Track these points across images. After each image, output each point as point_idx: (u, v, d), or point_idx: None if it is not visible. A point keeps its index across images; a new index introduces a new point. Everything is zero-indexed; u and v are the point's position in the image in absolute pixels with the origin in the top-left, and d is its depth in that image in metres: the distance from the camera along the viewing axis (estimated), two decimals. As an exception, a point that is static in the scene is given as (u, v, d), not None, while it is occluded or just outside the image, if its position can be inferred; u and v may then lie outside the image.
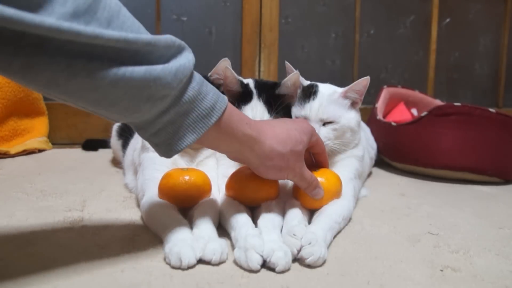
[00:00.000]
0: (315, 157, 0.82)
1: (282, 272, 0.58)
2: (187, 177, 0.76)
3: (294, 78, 0.89)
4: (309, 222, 0.75)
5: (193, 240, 0.62)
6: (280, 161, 0.67)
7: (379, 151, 1.31)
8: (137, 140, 0.98)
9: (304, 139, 0.70)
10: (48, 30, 0.44)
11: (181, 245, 0.60)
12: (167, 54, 0.55)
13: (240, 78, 0.93)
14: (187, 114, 0.58)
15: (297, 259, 0.62)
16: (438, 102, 1.58)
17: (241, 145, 0.64)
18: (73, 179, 1.08)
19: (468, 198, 1.04)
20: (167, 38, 0.55)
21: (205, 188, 0.78)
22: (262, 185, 0.75)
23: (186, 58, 0.57)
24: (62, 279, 0.54)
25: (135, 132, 1.07)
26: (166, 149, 0.60)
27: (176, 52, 0.56)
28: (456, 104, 1.17)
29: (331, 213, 0.74)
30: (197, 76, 0.59)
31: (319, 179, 0.78)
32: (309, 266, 0.60)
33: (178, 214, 0.71)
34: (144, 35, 0.54)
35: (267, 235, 0.64)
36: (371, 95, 1.57)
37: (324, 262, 0.61)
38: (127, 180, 1.00)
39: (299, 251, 0.61)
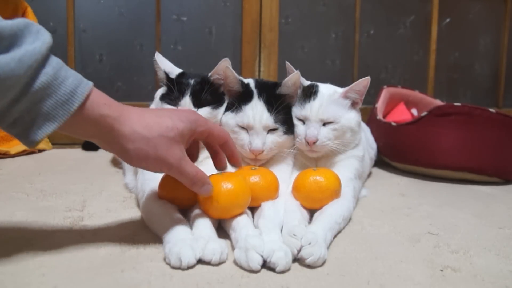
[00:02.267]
0: (223, 151, 0.73)
1: (282, 272, 0.58)
2: None
3: (295, 78, 0.89)
4: (309, 222, 0.75)
5: (193, 240, 0.62)
6: (144, 145, 0.60)
7: (379, 151, 1.31)
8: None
9: (179, 126, 0.62)
10: None
11: (181, 245, 0.59)
12: (15, 42, 0.52)
13: (241, 78, 0.93)
14: (42, 101, 0.54)
15: (297, 259, 0.62)
16: (438, 102, 1.58)
17: (99, 127, 0.58)
18: (73, 179, 1.08)
19: (468, 198, 1.04)
20: (12, 24, 0.52)
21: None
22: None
23: (39, 42, 0.53)
24: (62, 279, 0.54)
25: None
26: (26, 140, 0.56)
27: (26, 36, 0.53)
28: (456, 104, 1.17)
29: (331, 213, 0.74)
30: (55, 61, 0.55)
31: (317, 178, 0.78)
32: (309, 266, 0.60)
33: (178, 214, 0.71)
34: None
35: (267, 235, 0.64)
36: (371, 95, 1.57)
37: (324, 262, 0.61)
38: (127, 180, 1.00)
39: (299, 251, 0.61)
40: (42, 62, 0.53)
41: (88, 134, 0.60)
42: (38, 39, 0.53)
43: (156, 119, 0.62)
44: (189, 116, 0.65)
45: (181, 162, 0.63)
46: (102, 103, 0.58)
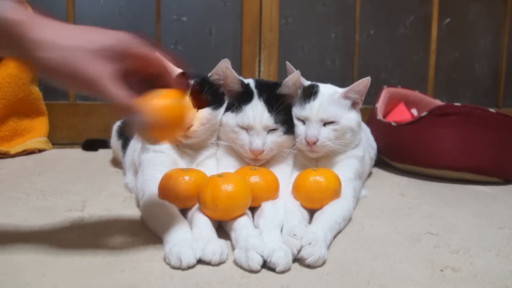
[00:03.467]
0: (157, 80, 0.62)
1: (282, 272, 0.58)
2: (187, 178, 0.76)
3: (295, 78, 0.89)
4: (309, 222, 0.75)
5: (193, 240, 0.62)
6: (59, 55, 0.52)
7: (379, 151, 1.31)
8: (137, 140, 0.98)
9: (105, 41, 0.54)
10: None
11: (181, 245, 0.60)
12: None
13: (241, 78, 0.93)
14: None
15: (297, 259, 0.62)
16: (438, 102, 1.58)
17: (10, 36, 0.51)
18: (73, 179, 1.08)
19: (468, 198, 1.04)
20: None
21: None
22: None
23: None
24: (62, 279, 0.54)
25: (135, 133, 1.07)
26: None
27: None
28: (456, 104, 1.17)
29: (331, 213, 0.74)
30: None
31: (317, 178, 0.78)
32: (309, 266, 0.60)
33: (178, 214, 0.71)
34: None
35: (267, 235, 0.64)
36: (371, 95, 1.56)
37: (324, 262, 0.61)
38: (127, 180, 1.00)
39: (299, 251, 0.61)
40: None
41: None
42: None
43: (78, 32, 0.55)
44: (119, 35, 0.57)
45: (103, 78, 0.54)
46: (13, 8, 0.52)
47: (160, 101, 0.58)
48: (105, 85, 0.54)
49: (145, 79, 0.61)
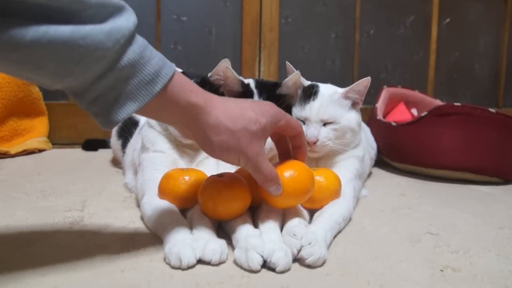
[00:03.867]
0: (292, 149, 0.72)
1: (282, 272, 0.58)
2: (187, 178, 0.76)
3: (295, 78, 0.89)
4: (309, 222, 0.75)
5: (193, 240, 0.62)
6: (228, 137, 0.59)
7: (379, 151, 1.31)
8: (137, 140, 0.98)
9: (261, 120, 0.61)
10: None
11: (181, 245, 0.59)
12: (102, 13, 0.50)
13: (241, 78, 0.93)
14: (127, 79, 0.53)
15: (297, 259, 0.62)
16: (438, 102, 1.58)
17: (185, 114, 0.58)
18: (73, 179, 1.08)
19: (468, 198, 1.04)
20: None
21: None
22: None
23: (125, 19, 0.52)
24: (62, 279, 0.54)
25: (135, 132, 1.07)
26: (106, 119, 0.55)
27: (113, 11, 0.52)
28: (456, 104, 1.17)
29: (331, 213, 0.74)
30: (140, 40, 0.54)
31: (317, 178, 0.78)
32: (309, 266, 0.60)
33: (178, 214, 0.71)
34: None
35: (267, 235, 0.64)
36: (371, 95, 1.57)
37: (324, 262, 0.61)
38: (127, 180, 1.00)
39: (299, 251, 0.61)
40: (129, 39, 0.52)
41: (172, 120, 0.61)
42: (127, 15, 0.53)
43: (240, 110, 0.61)
44: (270, 110, 0.64)
45: (258, 157, 0.62)
46: (189, 90, 0.57)
47: (297, 175, 0.68)
48: (258, 162, 0.62)
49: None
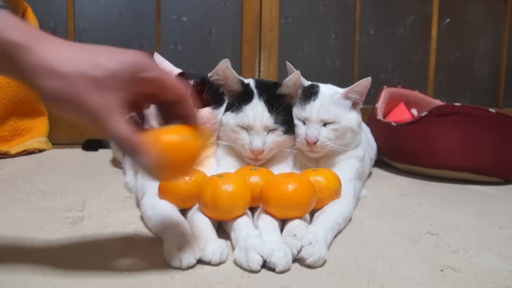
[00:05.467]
0: (174, 110, 0.55)
1: (282, 272, 0.58)
2: (187, 177, 0.76)
3: (295, 78, 0.89)
4: (309, 222, 0.75)
5: (193, 240, 0.62)
6: (59, 82, 0.46)
7: (379, 151, 1.31)
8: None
9: (112, 66, 0.48)
10: None
11: (181, 245, 0.59)
12: None
13: (241, 78, 0.93)
14: None
15: (297, 260, 0.62)
16: (438, 102, 1.58)
17: (8, 59, 0.47)
18: (73, 179, 1.08)
19: (468, 198, 1.04)
20: None
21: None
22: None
23: None
24: (62, 279, 0.54)
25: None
26: None
27: None
28: (456, 104, 1.17)
29: (331, 213, 0.74)
30: None
31: (317, 178, 0.78)
32: (309, 266, 0.60)
33: (178, 214, 0.71)
34: None
35: (267, 235, 0.64)
36: (371, 95, 1.56)
37: (324, 262, 0.61)
38: (127, 179, 1.00)
39: (299, 251, 0.61)
40: None
41: None
42: None
43: (83, 53, 0.49)
44: (130, 57, 0.50)
45: (107, 113, 0.48)
46: (11, 26, 0.47)
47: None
48: (108, 120, 0.48)
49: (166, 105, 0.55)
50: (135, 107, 0.56)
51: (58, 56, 0.47)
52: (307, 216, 0.76)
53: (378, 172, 1.30)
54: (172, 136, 0.52)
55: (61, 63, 0.47)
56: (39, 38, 0.48)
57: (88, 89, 0.47)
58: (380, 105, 1.45)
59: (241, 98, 0.90)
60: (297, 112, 0.92)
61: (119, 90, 0.49)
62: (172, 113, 0.55)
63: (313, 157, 0.93)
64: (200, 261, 0.60)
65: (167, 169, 0.52)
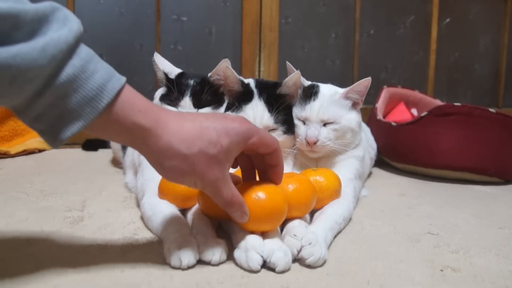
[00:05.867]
0: (268, 168, 0.64)
1: (282, 272, 0.58)
2: None
3: (295, 78, 0.89)
4: (309, 222, 0.75)
5: (192, 240, 0.62)
6: (181, 162, 0.53)
7: (379, 151, 1.31)
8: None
9: (224, 142, 0.54)
10: None
11: (181, 245, 0.59)
12: (34, 28, 0.46)
13: (241, 78, 0.93)
14: (68, 96, 0.48)
15: (297, 260, 0.62)
16: (438, 102, 1.58)
17: (132, 136, 0.52)
18: (73, 179, 1.08)
19: (468, 198, 1.04)
20: (37, 8, 0.46)
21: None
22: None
23: (67, 29, 0.48)
24: (62, 279, 0.54)
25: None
26: (52, 137, 0.51)
27: (47, 22, 0.47)
28: (456, 104, 1.17)
29: (331, 213, 0.74)
30: (84, 52, 0.50)
31: (317, 178, 0.78)
32: (309, 266, 0.60)
33: (178, 214, 0.71)
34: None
35: (267, 235, 0.64)
36: (371, 95, 1.56)
37: (324, 262, 0.61)
38: (127, 179, 1.00)
39: (299, 251, 0.61)
40: (69, 53, 0.48)
41: (121, 140, 0.55)
42: (65, 26, 0.48)
43: (198, 130, 0.54)
44: (237, 128, 0.56)
45: (218, 183, 0.56)
46: (137, 110, 0.52)
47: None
48: (217, 188, 0.56)
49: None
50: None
51: (180, 139, 0.53)
52: (307, 216, 0.76)
53: (378, 172, 1.30)
54: (267, 196, 0.62)
55: (182, 145, 0.53)
56: (162, 120, 0.53)
57: (206, 165, 0.54)
58: (380, 105, 1.46)
59: (241, 98, 0.90)
60: (297, 112, 0.92)
61: (229, 160, 0.57)
62: (263, 162, 0.64)
63: (313, 157, 0.93)
64: (200, 261, 0.60)
65: (259, 223, 0.62)
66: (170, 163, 0.53)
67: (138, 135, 0.52)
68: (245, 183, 0.65)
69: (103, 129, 0.52)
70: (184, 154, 0.53)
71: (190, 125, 0.54)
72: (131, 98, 0.52)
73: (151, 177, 0.81)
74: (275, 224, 0.65)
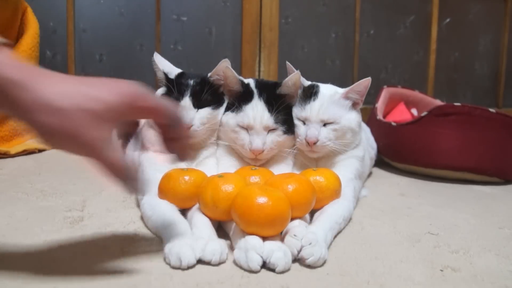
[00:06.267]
0: (167, 142, 0.60)
1: (282, 272, 0.58)
2: (187, 177, 0.76)
3: (295, 78, 0.89)
4: (309, 222, 0.75)
5: (193, 240, 0.62)
6: (57, 118, 0.47)
7: (379, 151, 1.31)
8: (137, 140, 0.98)
9: (108, 99, 0.50)
10: None
11: (181, 245, 0.59)
12: None
13: (241, 78, 0.93)
14: None
15: (297, 260, 0.62)
16: (438, 102, 1.58)
17: (5, 96, 0.47)
18: (73, 179, 1.08)
19: (468, 198, 1.04)
20: None
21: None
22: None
23: None
24: (62, 279, 0.54)
25: (135, 133, 1.07)
26: None
27: None
28: (456, 104, 1.17)
29: (331, 213, 0.74)
30: None
31: (317, 178, 0.78)
32: (309, 266, 0.60)
33: (178, 214, 0.71)
34: None
35: (267, 235, 0.64)
36: (371, 95, 1.56)
37: (324, 262, 0.61)
38: (127, 180, 1.00)
39: (299, 251, 0.61)
40: None
41: None
42: None
43: (79, 87, 0.50)
44: (124, 87, 0.52)
45: (101, 143, 0.50)
46: (9, 64, 0.48)
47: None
48: (101, 151, 0.51)
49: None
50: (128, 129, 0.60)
51: (55, 91, 0.48)
52: (307, 216, 0.76)
53: (378, 172, 1.30)
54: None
55: (57, 97, 0.48)
56: (36, 75, 0.48)
57: (85, 122, 0.48)
58: (380, 105, 1.45)
59: (241, 98, 0.90)
60: (297, 112, 0.92)
61: (114, 120, 0.51)
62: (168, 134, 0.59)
63: (313, 157, 0.93)
64: (200, 261, 0.60)
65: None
66: (44, 119, 0.48)
67: (7, 90, 0.47)
68: (250, 187, 0.66)
69: None
70: (61, 108, 0.48)
71: (72, 80, 0.51)
72: (4, 56, 0.48)
73: (151, 177, 0.81)
74: (278, 230, 0.64)
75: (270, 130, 0.89)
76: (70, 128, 0.48)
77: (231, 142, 0.91)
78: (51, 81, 0.49)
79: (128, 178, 0.54)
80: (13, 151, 1.38)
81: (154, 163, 0.85)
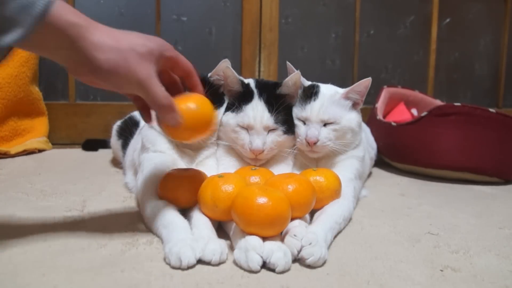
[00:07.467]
0: (185, 82, 0.70)
1: (282, 272, 0.58)
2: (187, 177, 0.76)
3: (295, 78, 0.89)
4: (309, 222, 0.75)
5: (193, 240, 0.62)
6: (114, 55, 0.57)
7: (379, 151, 1.31)
8: (137, 140, 0.98)
9: (149, 44, 0.61)
10: None
11: (181, 245, 0.60)
12: None
13: (241, 78, 0.93)
14: (3, 3, 0.51)
15: (297, 260, 0.62)
16: (438, 102, 1.58)
17: (68, 37, 0.55)
18: (73, 179, 1.08)
19: (468, 198, 1.04)
20: None
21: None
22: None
23: None
24: (62, 279, 0.54)
25: (135, 132, 1.07)
26: None
27: None
28: (456, 104, 1.17)
29: (331, 213, 0.74)
30: None
31: (317, 178, 0.78)
32: (309, 266, 0.60)
33: (178, 214, 0.71)
34: None
35: (267, 235, 0.64)
36: (371, 95, 1.56)
37: (324, 262, 0.61)
38: (127, 179, 1.00)
39: (299, 251, 0.61)
40: None
41: (56, 45, 0.57)
42: None
43: (126, 35, 0.60)
44: (157, 39, 0.64)
45: (151, 79, 0.60)
46: (70, 11, 0.56)
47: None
48: (151, 84, 0.60)
49: (169, 81, 0.69)
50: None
51: (111, 35, 0.58)
52: (307, 216, 0.76)
53: (378, 172, 1.30)
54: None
55: (114, 40, 0.58)
56: (93, 22, 0.58)
57: (135, 60, 0.59)
58: (380, 105, 1.46)
59: (241, 98, 0.90)
60: (297, 112, 0.92)
61: (155, 63, 0.61)
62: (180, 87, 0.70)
63: (313, 157, 0.93)
64: (200, 261, 0.60)
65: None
66: (104, 55, 0.57)
67: (72, 32, 0.55)
68: (250, 187, 0.66)
69: (41, 38, 0.55)
70: (117, 47, 0.58)
71: (118, 31, 0.60)
72: (65, 5, 0.56)
73: (151, 177, 0.81)
74: (278, 230, 0.64)
75: (270, 130, 0.89)
76: (125, 64, 0.58)
77: (231, 142, 0.91)
78: (104, 28, 0.59)
79: (171, 110, 0.62)
80: (13, 151, 1.38)
81: (154, 163, 0.85)
